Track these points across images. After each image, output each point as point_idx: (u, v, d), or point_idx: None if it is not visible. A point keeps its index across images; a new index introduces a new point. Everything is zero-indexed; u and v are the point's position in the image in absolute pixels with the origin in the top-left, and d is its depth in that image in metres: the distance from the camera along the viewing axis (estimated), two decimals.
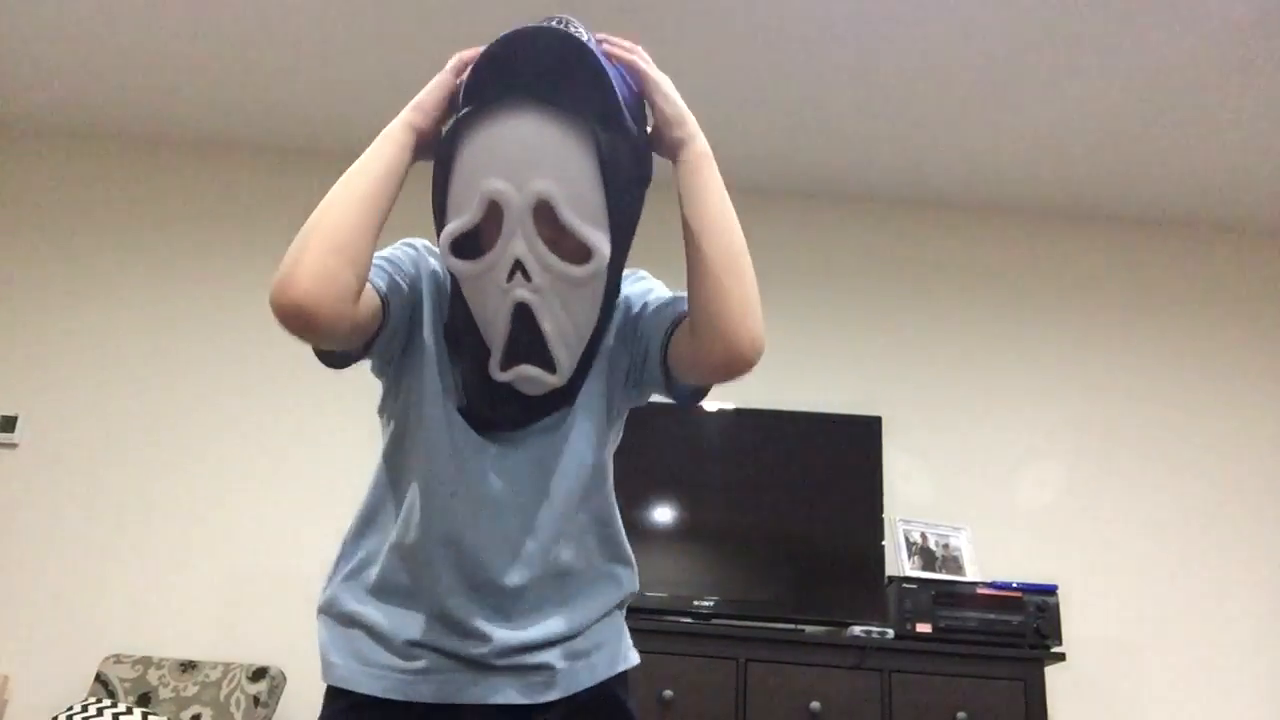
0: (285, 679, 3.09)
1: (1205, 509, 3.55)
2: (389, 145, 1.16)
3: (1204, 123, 3.33)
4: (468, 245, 1.11)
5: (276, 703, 3.05)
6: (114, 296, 3.70)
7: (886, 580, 3.13)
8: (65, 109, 3.78)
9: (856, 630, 2.96)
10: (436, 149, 1.14)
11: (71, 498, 3.44)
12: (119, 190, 3.85)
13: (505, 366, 1.15)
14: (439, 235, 1.12)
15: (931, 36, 3.03)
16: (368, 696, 1.20)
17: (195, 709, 2.98)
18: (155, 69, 3.48)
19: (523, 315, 1.11)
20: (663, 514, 3.23)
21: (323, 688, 1.24)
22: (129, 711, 2.92)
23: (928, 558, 3.26)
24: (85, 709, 2.90)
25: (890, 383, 3.66)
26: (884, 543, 3.21)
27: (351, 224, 1.07)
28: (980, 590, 3.02)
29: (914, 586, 3.02)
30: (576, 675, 1.25)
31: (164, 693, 3.01)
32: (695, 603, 3.07)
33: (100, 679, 3.05)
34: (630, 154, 1.13)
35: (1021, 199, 3.87)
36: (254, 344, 3.55)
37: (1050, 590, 3.02)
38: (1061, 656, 2.95)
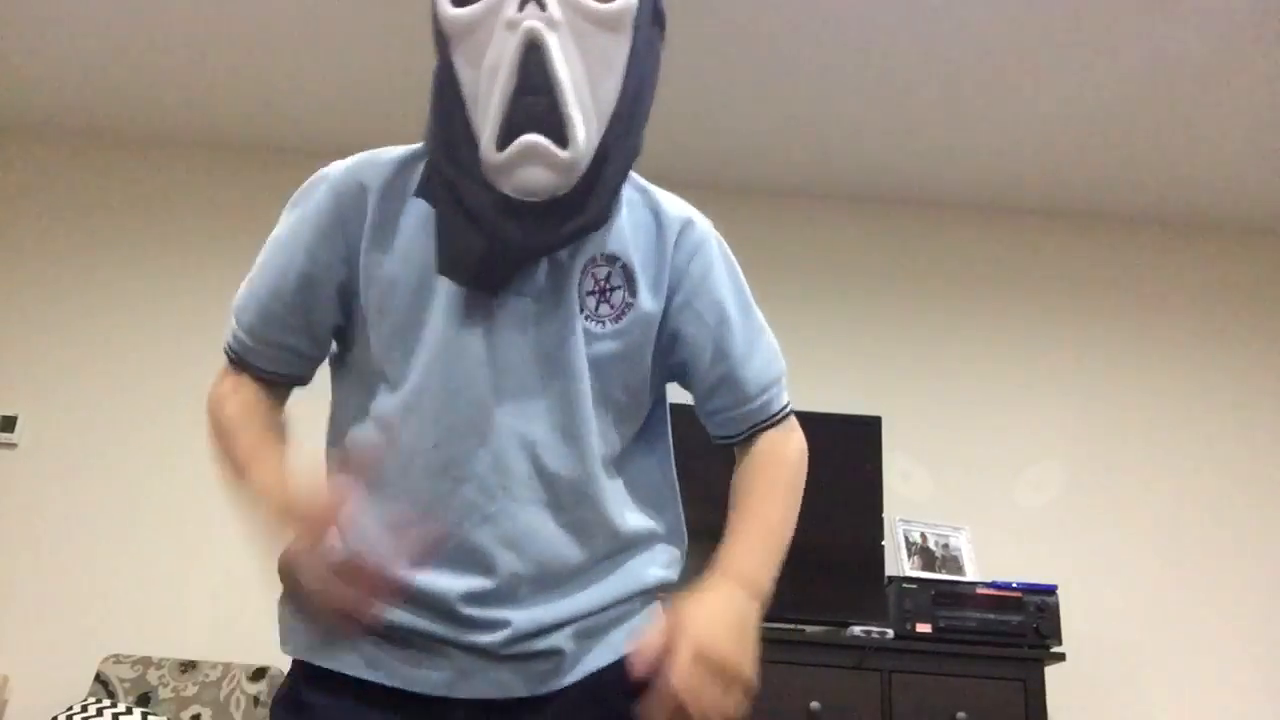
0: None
1: (1205, 509, 3.55)
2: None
3: (1206, 120, 3.33)
4: None
5: None
6: (114, 296, 3.70)
7: (886, 580, 3.13)
8: (66, 109, 3.78)
9: (856, 630, 2.96)
10: None
11: (71, 498, 3.44)
12: (119, 190, 3.85)
13: (503, 142, 0.96)
14: None
15: (933, 36, 3.03)
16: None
17: (195, 709, 2.98)
18: (155, 69, 3.48)
19: (533, 58, 0.95)
20: None
21: None
22: (129, 711, 2.92)
23: (927, 558, 3.26)
24: (85, 709, 2.90)
25: (890, 383, 3.66)
26: (884, 543, 3.21)
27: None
28: (980, 590, 3.02)
29: (914, 586, 3.02)
30: (590, 655, 1.09)
31: (164, 693, 3.01)
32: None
33: (100, 679, 3.05)
34: None
35: (1022, 198, 3.87)
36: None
37: (1050, 590, 3.02)
38: (1061, 656, 2.95)
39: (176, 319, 3.67)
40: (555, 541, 1.07)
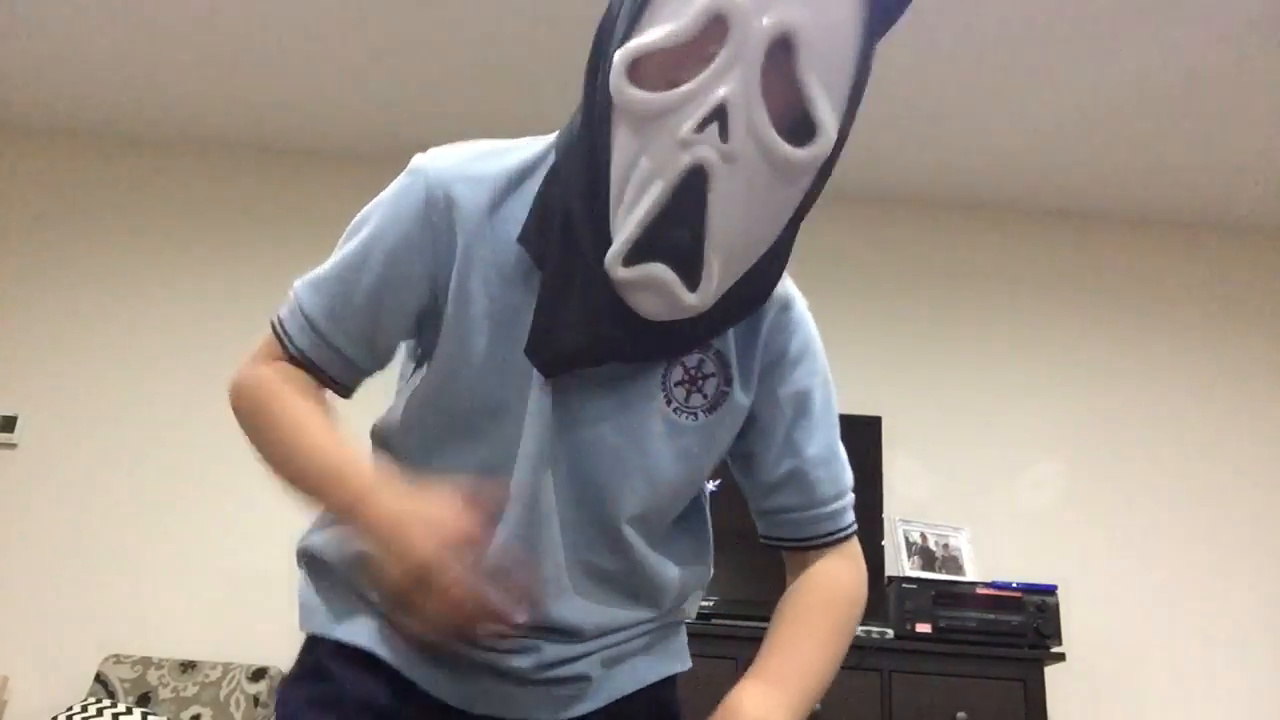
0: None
1: (1205, 509, 3.55)
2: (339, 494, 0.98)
3: (1209, 120, 3.33)
4: (651, 72, 0.85)
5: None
6: (114, 296, 3.70)
7: (886, 580, 3.13)
8: (65, 108, 3.78)
9: (856, 630, 2.96)
10: None
11: (71, 498, 3.44)
12: (119, 190, 3.85)
13: (631, 260, 0.86)
14: (614, 49, 0.87)
15: (935, 36, 3.03)
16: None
17: (195, 709, 2.98)
18: (155, 67, 3.48)
19: (693, 187, 0.83)
20: None
21: None
22: (129, 712, 2.92)
23: (927, 558, 3.26)
24: (85, 709, 2.90)
25: (890, 383, 3.66)
26: (884, 543, 3.21)
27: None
28: (980, 590, 3.02)
29: (914, 586, 3.02)
30: (615, 681, 1.08)
31: (164, 693, 3.01)
32: (702, 602, 3.07)
33: (100, 679, 3.05)
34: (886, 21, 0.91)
35: (1022, 198, 3.87)
36: (255, 343, 3.55)
37: (1050, 590, 3.02)
38: (1061, 656, 2.95)
39: (177, 319, 3.67)
40: (595, 611, 1.04)
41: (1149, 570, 3.47)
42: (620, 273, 0.86)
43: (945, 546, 3.30)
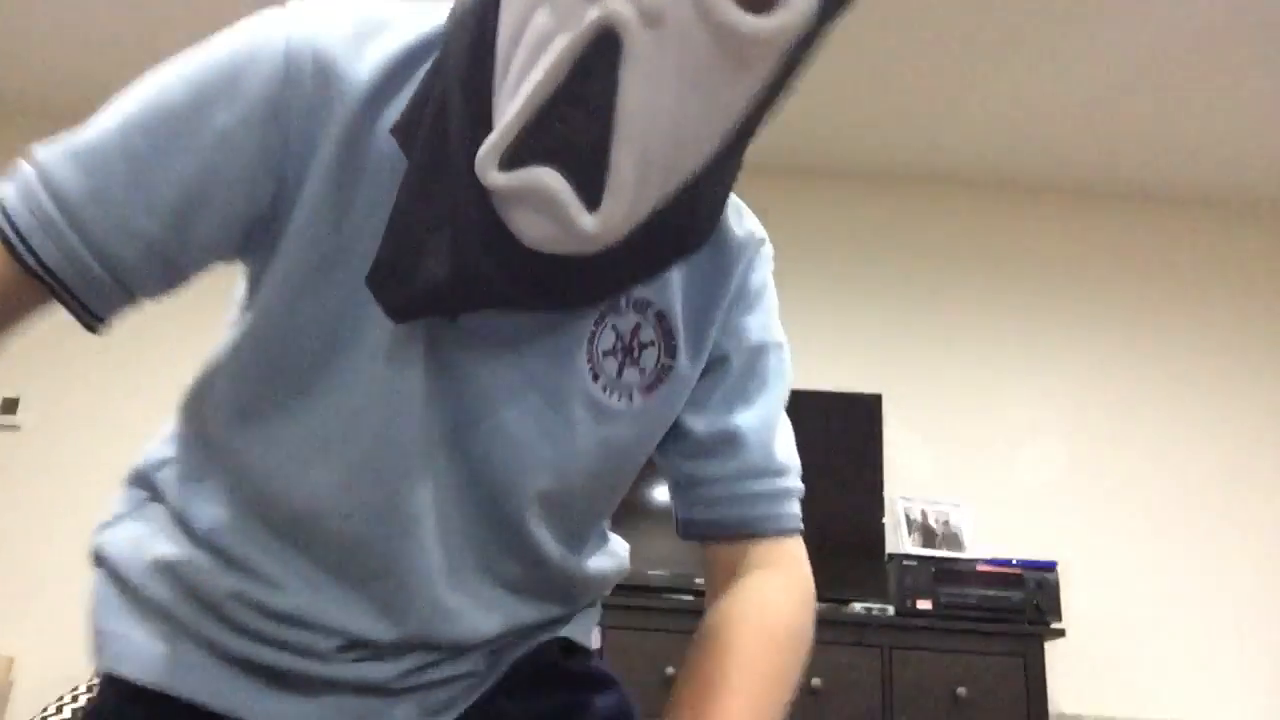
0: None
1: (1206, 486, 3.56)
2: None
3: (1209, 96, 3.32)
4: None
5: None
6: None
7: (887, 557, 3.14)
8: (63, 88, 3.77)
9: (857, 607, 2.97)
10: None
11: (74, 479, 3.45)
12: None
13: (511, 161, 0.61)
14: None
15: (931, 8, 3.02)
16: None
17: None
18: (153, 51, 3.47)
19: (600, 57, 0.59)
20: (662, 492, 3.23)
21: None
22: None
23: (928, 535, 3.27)
24: (91, 690, 2.91)
25: (890, 360, 3.66)
26: (884, 520, 3.22)
27: None
28: (980, 567, 3.03)
29: (914, 564, 3.03)
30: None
31: None
32: (696, 580, 3.08)
33: None
34: None
35: (1022, 174, 3.86)
36: None
37: (1050, 567, 3.03)
38: (1061, 633, 2.96)
39: (179, 299, 3.66)
40: (486, 620, 0.82)
41: (1149, 547, 3.48)
42: (494, 177, 0.61)
43: (945, 523, 3.31)
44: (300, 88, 0.69)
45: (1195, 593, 3.43)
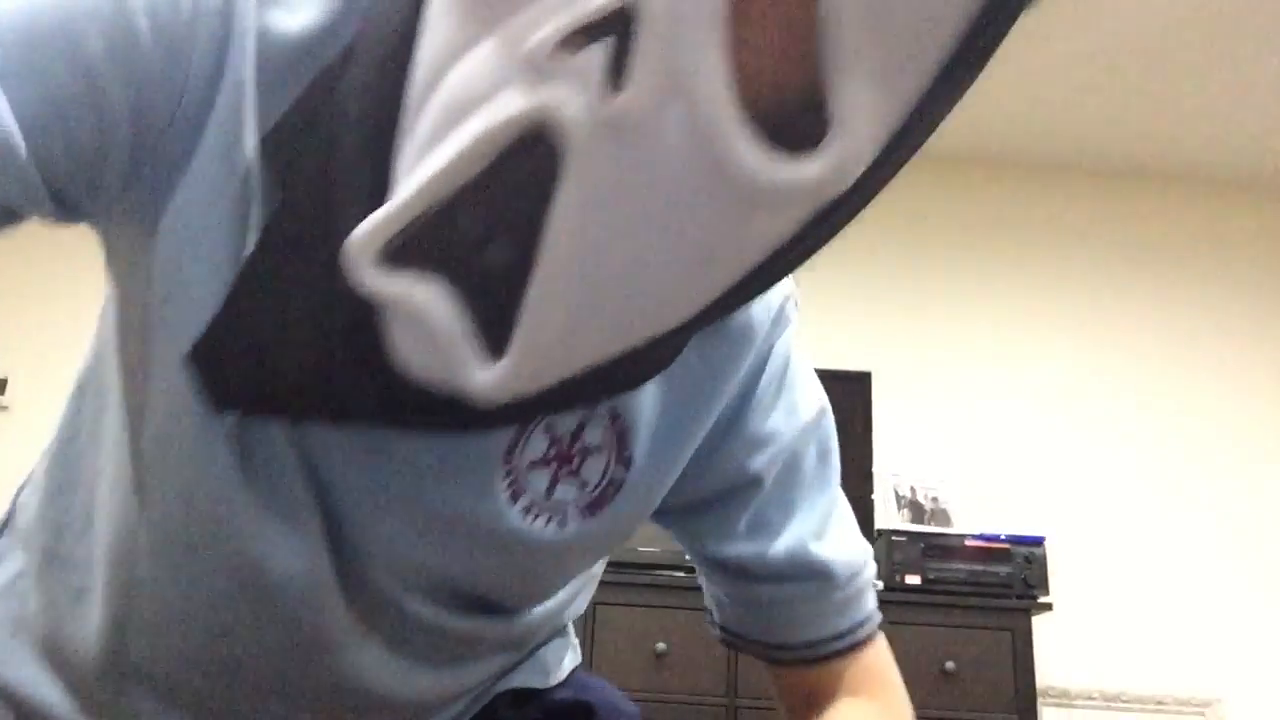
0: None
1: (1193, 461, 3.58)
2: None
3: (1204, 74, 3.32)
4: None
5: None
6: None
7: (876, 533, 3.15)
8: None
9: None
10: None
11: None
12: None
13: (395, 258, 0.42)
14: None
15: None
16: None
17: None
18: None
19: (531, 161, 0.41)
20: None
21: None
22: None
23: (916, 511, 3.29)
24: None
25: (879, 338, 3.67)
26: (873, 496, 3.23)
27: None
28: (969, 542, 3.05)
29: (903, 539, 3.04)
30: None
31: None
32: (688, 556, 3.09)
33: None
34: None
35: (1012, 150, 3.86)
36: None
37: (1038, 542, 3.05)
38: (1049, 607, 2.99)
39: None
40: (427, 689, 0.67)
41: (1137, 521, 3.50)
42: (366, 277, 0.42)
43: (934, 499, 3.33)
44: (138, 49, 0.48)
45: (1183, 567, 3.46)
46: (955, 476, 3.42)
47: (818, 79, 0.41)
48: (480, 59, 0.41)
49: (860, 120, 0.41)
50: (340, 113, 0.46)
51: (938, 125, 0.49)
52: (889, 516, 3.25)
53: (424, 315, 0.42)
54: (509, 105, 0.40)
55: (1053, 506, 3.48)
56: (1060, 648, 3.29)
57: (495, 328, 0.43)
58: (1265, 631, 3.38)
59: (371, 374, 0.47)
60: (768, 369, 0.65)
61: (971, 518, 3.34)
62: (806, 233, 0.47)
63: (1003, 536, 3.06)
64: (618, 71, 0.39)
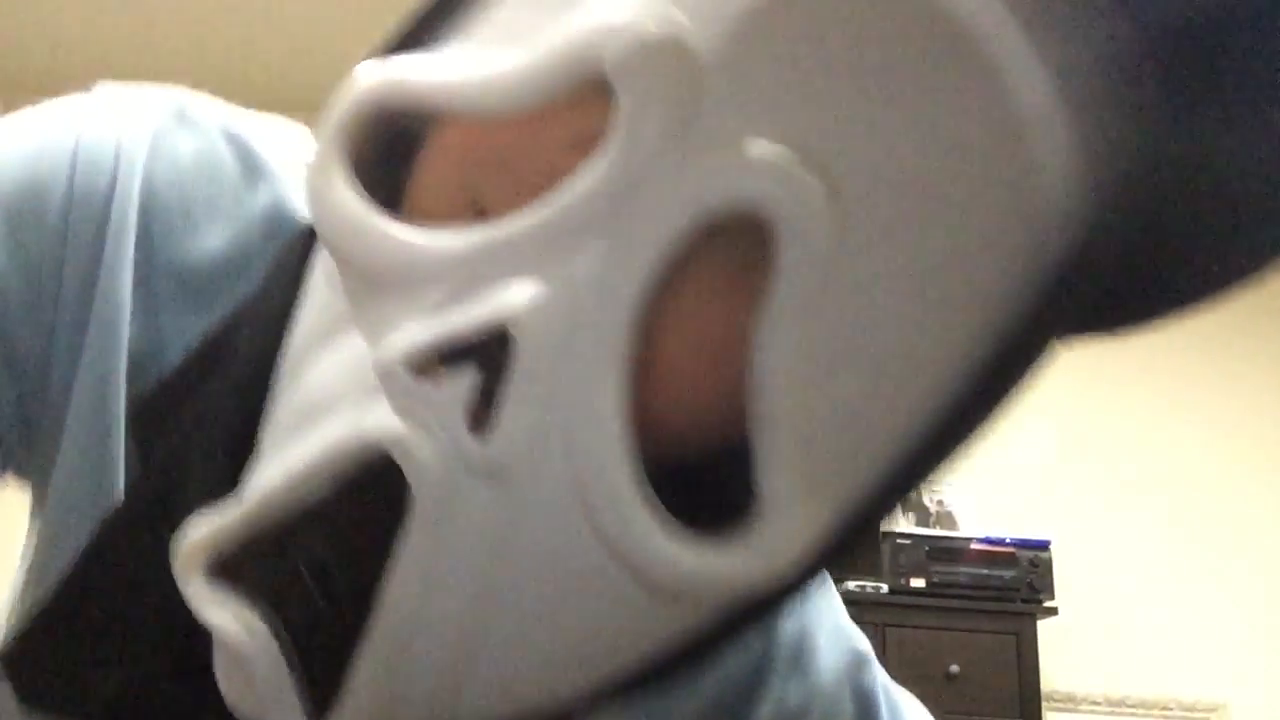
0: None
1: (1199, 464, 3.57)
2: None
3: None
4: (438, 160, 0.35)
5: None
6: None
7: (881, 536, 3.14)
8: (65, 68, 3.74)
9: (851, 585, 2.98)
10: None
11: None
12: None
13: (224, 571, 0.34)
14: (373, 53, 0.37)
15: None
16: None
17: None
18: (154, 29, 3.45)
19: (374, 498, 0.32)
20: None
21: None
22: None
23: (922, 514, 3.28)
24: None
25: None
26: None
27: None
28: (974, 546, 3.04)
29: (908, 542, 3.03)
30: None
31: None
32: None
33: None
34: None
35: None
36: None
37: (1043, 545, 3.04)
38: (1054, 611, 2.98)
39: None
40: None
41: (1142, 526, 3.49)
42: (191, 589, 0.35)
43: (940, 503, 3.32)
44: (77, 242, 0.43)
45: (1189, 572, 3.44)
46: (960, 480, 3.41)
47: (743, 448, 0.32)
48: (340, 357, 0.34)
49: (790, 504, 0.32)
50: (233, 367, 0.40)
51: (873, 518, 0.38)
52: (894, 519, 3.23)
53: (245, 652, 0.34)
54: (359, 423, 0.32)
55: (1058, 510, 3.46)
56: (1065, 652, 3.28)
57: (318, 685, 0.34)
58: (1271, 636, 3.36)
59: (196, 698, 0.38)
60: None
61: (977, 521, 3.33)
62: (717, 628, 0.35)
63: (1008, 540, 3.06)
64: (485, 411, 0.31)
